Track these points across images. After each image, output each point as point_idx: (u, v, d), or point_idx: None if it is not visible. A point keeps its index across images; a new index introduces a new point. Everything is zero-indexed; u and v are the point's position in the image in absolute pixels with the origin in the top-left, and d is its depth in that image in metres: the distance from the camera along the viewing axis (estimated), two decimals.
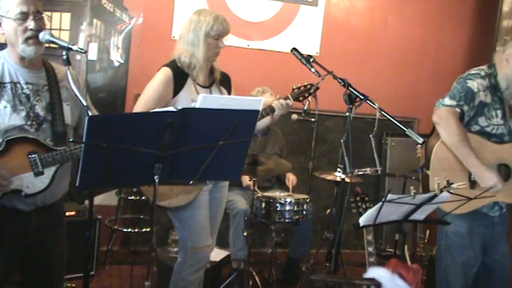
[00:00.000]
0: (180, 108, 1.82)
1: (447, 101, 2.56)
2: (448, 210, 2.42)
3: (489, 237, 2.63)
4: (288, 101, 2.69)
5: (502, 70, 2.57)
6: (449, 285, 2.65)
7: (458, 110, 2.52)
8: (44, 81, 2.09)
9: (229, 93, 2.79)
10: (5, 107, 1.98)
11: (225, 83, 2.78)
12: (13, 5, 1.96)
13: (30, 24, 1.97)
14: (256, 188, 3.36)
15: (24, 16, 1.97)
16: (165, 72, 2.58)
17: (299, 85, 2.77)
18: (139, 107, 2.56)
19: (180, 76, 2.59)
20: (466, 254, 2.60)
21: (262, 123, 2.68)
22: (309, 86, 2.75)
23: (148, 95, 2.57)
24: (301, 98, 2.77)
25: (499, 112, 2.55)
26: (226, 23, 2.62)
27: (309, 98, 2.82)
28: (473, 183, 2.54)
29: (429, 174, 2.57)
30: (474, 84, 2.54)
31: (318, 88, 2.73)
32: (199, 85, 2.63)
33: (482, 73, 2.58)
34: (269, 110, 2.64)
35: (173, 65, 2.61)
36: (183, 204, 2.59)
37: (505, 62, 2.55)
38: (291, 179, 3.96)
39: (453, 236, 2.62)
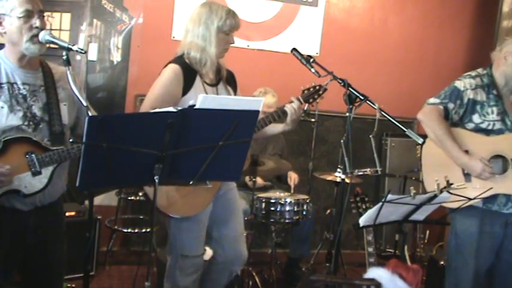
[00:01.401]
0: (180, 108, 1.82)
1: (432, 100, 2.66)
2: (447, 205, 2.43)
3: (502, 238, 2.60)
4: (299, 104, 2.56)
5: (499, 67, 2.60)
6: (459, 286, 2.64)
7: (441, 107, 2.61)
8: (40, 81, 2.09)
9: (235, 92, 2.71)
10: (1, 107, 1.98)
11: (230, 81, 2.69)
12: (17, 3, 1.96)
13: (36, 22, 1.98)
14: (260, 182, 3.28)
15: (29, 14, 1.97)
16: (174, 69, 2.44)
17: (308, 86, 2.66)
18: (146, 106, 2.40)
19: (189, 73, 2.45)
20: (477, 254, 2.58)
21: (275, 129, 2.62)
22: (318, 87, 2.64)
23: (156, 94, 2.42)
24: (311, 100, 2.66)
25: (494, 109, 2.57)
26: (238, 18, 2.51)
27: (316, 102, 2.75)
28: (467, 176, 2.57)
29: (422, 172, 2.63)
30: (461, 84, 2.62)
31: (326, 89, 2.65)
32: (207, 83, 2.53)
33: (473, 74, 2.65)
34: (281, 113, 2.54)
35: (181, 62, 2.46)
36: (189, 215, 2.53)
37: (504, 60, 2.59)
38: (293, 177, 3.92)
39: (463, 235, 2.61)
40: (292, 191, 3.78)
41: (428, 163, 2.65)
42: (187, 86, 2.45)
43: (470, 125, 2.60)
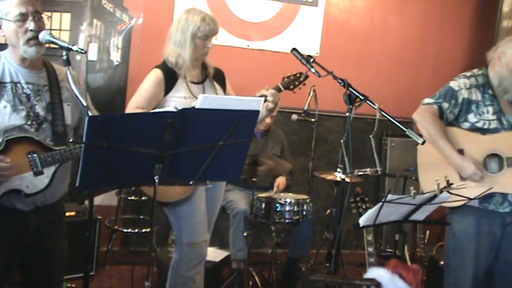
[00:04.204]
0: (180, 108, 1.82)
1: (426, 100, 2.68)
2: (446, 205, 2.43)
3: (500, 238, 2.58)
4: (276, 90, 2.67)
5: (494, 67, 2.61)
6: (458, 286, 2.63)
7: (435, 106, 2.63)
8: (44, 81, 2.09)
9: (223, 89, 2.81)
10: (5, 106, 1.98)
11: (218, 78, 2.79)
12: (11, 6, 1.96)
13: (30, 25, 1.97)
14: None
15: (23, 17, 1.97)
16: (156, 74, 2.62)
17: (288, 74, 2.77)
18: (131, 106, 2.60)
19: (170, 76, 2.62)
20: (476, 254, 2.57)
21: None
22: (298, 75, 2.76)
23: (140, 96, 2.61)
24: (291, 87, 2.77)
25: (490, 108, 2.58)
26: (213, 24, 2.62)
27: (298, 88, 2.80)
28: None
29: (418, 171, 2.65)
30: (456, 84, 2.63)
31: (307, 76, 2.73)
32: (192, 82, 2.67)
33: (468, 74, 2.66)
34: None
35: (163, 66, 2.65)
36: (180, 199, 2.60)
37: (497, 60, 2.59)
38: (278, 182, 3.94)
39: (460, 235, 2.61)
40: (273, 193, 3.78)
41: (425, 162, 2.67)
42: (168, 87, 2.63)
43: (466, 124, 2.60)
